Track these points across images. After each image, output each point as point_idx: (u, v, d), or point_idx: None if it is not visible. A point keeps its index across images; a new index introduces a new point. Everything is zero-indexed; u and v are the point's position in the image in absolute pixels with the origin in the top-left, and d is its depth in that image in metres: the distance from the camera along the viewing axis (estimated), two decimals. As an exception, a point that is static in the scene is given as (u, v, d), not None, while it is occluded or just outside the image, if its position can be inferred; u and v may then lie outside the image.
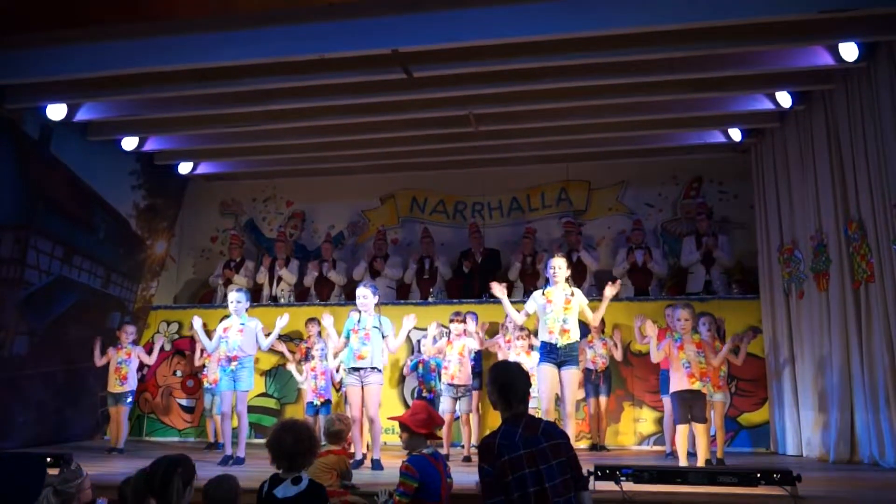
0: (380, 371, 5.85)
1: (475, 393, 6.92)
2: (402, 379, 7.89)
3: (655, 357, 5.63)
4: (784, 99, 6.72)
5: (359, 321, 5.88)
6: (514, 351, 6.42)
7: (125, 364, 7.14)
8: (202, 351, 7.55)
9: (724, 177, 8.77)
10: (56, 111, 6.93)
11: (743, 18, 5.11)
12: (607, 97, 6.66)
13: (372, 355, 5.77)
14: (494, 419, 7.13)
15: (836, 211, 6.27)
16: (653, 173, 8.96)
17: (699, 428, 5.25)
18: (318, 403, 7.07)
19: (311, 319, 7.55)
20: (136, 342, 7.47)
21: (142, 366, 7.57)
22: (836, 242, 6.28)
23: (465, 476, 4.43)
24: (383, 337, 5.89)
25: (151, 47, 5.72)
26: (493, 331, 7.37)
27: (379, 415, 5.80)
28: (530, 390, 3.09)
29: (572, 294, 5.46)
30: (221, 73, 6.13)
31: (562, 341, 5.32)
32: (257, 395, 7.94)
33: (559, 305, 5.40)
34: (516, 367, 3.09)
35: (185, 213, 9.74)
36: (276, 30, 5.51)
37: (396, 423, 3.68)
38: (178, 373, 8.58)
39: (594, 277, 8.33)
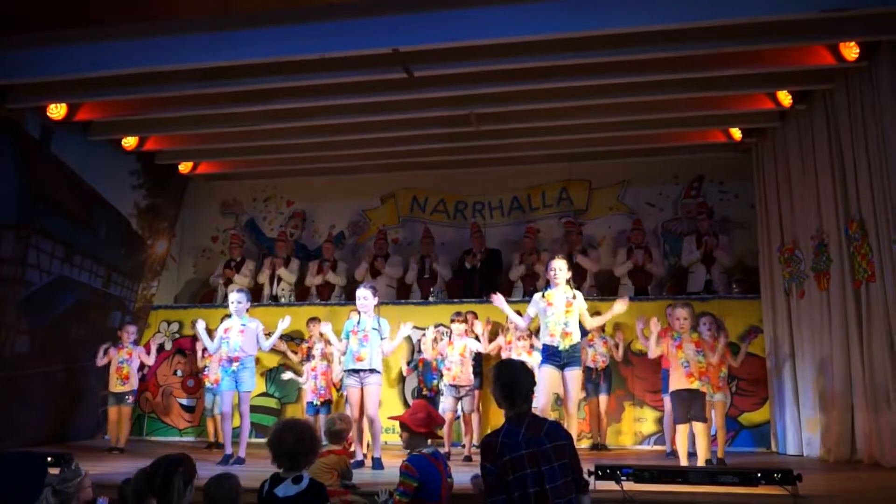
0: (379, 372, 5.86)
1: (476, 392, 6.92)
2: (401, 378, 7.89)
3: (652, 353, 5.64)
4: (785, 98, 6.72)
5: (358, 323, 5.89)
6: (514, 352, 6.43)
7: (126, 364, 7.15)
8: (203, 351, 7.56)
9: (725, 176, 8.76)
10: (56, 111, 6.94)
11: (744, 18, 5.12)
12: (608, 96, 6.66)
13: (371, 357, 5.78)
14: (496, 419, 7.14)
15: (836, 210, 6.27)
16: (653, 173, 8.95)
17: (699, 427, 5.24)
18: (319, 403, 7.08)
19: (313, 319, 7.56)
20: (136, 342, 7.48)
21: (142, 366, 7.58)
22: (836, 242, 6.28)
23: (465, 476, 4.41)
24: (382, 339, 5.90)
25: (151, 47, 5.72)
26: (493, 331, 7.37)
27: (379, 414, 5.81)
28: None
29: (573, 297, 5.46)
30: (221, 72, 6.13)
31: (563, 344, 5.32)
32: (258, 394, 7.94)
33: (560, 309, 5.39)
34: (520, 365, 3.08)
35: (186, 212, 9.74)
36: (276, 30, 5.52)
37: (397, 423, 3.68)
38: (179, 372, 8.58)
39: (594, 278, 8.33)
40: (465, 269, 8.61)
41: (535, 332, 6.08)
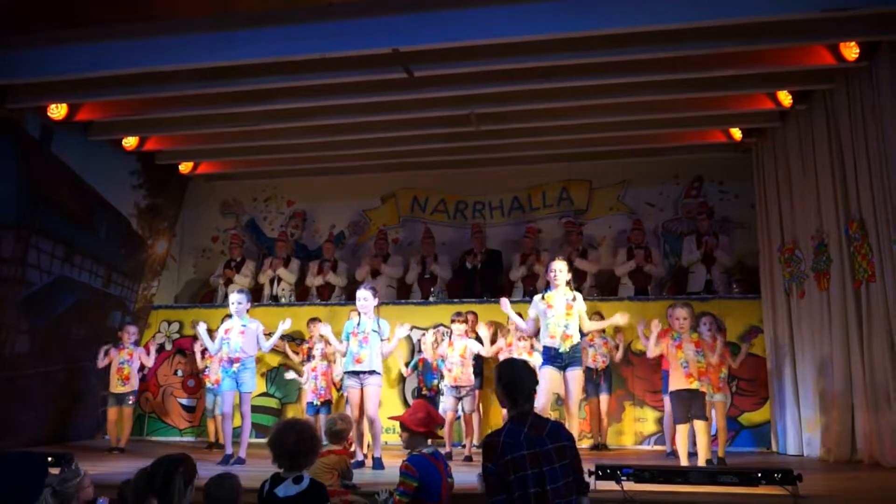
0: (379, 374, 5.87)
1: (477, 392, 6.92)
2: (402, 378, 7.89)
3: (651, 352, 5.65)
4: (785, 98, 6.71)
5: (358, 324, 5.89)
6: (515, 353, 6.42)
7: (127, 364, 7.15)
8: (203, 352, 7.56)
9: (725, 176, 8.76)
10: (57, 111, 6.94)
11: (744, 17, 5.12)
12: (608, 96, 6.66)
13: (370, 358, 5.78)
14: (496, 419, 7.14)
15: (836, 210, 6.27)
16: (654, 173, 8.95)
17: (700, 425, 5.24)
18: (319, 403, 7.08)
19: (313, 319, 7.56)
20: (137, 343, 7.49)
21: (142, 367, 7.58)
22: (836, 242, 6.28)
23: (466, 476, 4.43)
24: (381, 340, 5.89)
25: (151, 47, 5.72)
26: (494, 332, 7.35)
27: (379, 414, 5.81)
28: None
29: (573, 299, 5.47)
30: (221, 72, 6.13)
31: (564, 346, 5.33)
32: (259, 394, 7.94)
33: (560, 311, 5.40)
34: (522, 364, 3.08)
35: (186, 212, 9.74)
36: (276, 30, 5.52)
37: (397, 423, 3.68)
38: (179, 372, 8.58)
39: (594, 278, 8.33)
40: (465, 270, 8.61)
41: (536, 334, 6.07)
